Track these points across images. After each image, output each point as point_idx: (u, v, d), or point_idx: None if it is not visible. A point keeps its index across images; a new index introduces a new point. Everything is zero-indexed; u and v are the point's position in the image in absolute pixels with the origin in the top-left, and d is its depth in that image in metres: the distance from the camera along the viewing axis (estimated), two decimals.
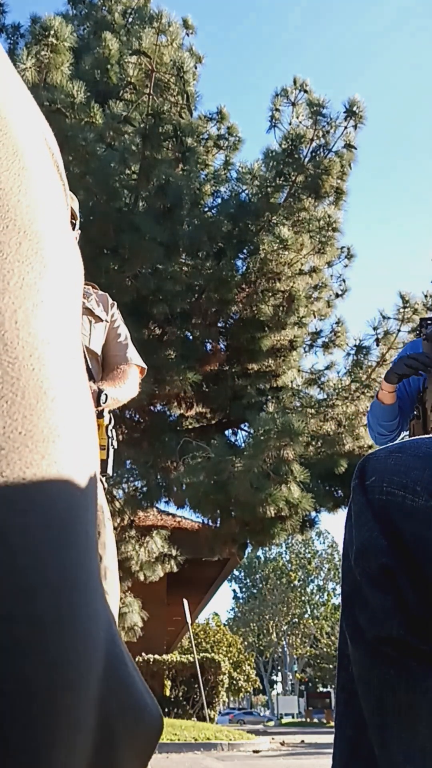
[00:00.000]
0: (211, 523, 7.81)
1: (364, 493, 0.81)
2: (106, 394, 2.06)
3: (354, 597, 0.79)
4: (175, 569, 8.76)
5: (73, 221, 2.30)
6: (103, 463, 2.06)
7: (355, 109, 7.05)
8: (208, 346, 7.86)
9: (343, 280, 8.74)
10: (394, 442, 0.85)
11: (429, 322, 2.01)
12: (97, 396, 2.05)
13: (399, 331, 7.36)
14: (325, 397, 7.82)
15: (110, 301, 2.43)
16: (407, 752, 0.69)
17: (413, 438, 0.84)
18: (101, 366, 2.34)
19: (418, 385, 2.09)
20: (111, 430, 2.12)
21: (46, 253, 0.32)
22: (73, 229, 2.35)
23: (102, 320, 2.35)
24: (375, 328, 7.49)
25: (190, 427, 8.20)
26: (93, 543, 0.33)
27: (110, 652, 0.32)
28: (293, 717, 42.10)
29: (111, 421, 2.14)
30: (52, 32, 5.74)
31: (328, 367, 8.62)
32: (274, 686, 50.98)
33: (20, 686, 0.25)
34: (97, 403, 2.04)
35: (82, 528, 0.31)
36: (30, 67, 5.77)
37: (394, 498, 0.77)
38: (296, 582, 46.11)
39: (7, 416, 0.27)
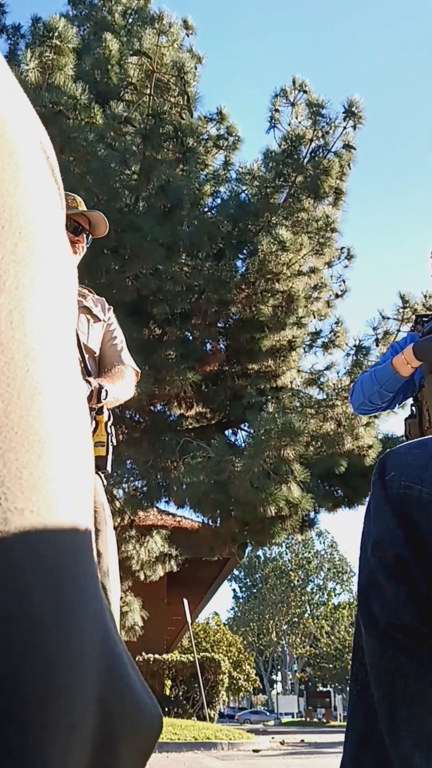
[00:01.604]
0: (211, 523, 7.81)
1: (383, 487, 0.82)
2: (106, 391, 2.07)
3: (369, 586, 0.80)
4: (175, 569, 8.76)
5: (87, 229, 2.32)
6: (103, 460, 2.06)
7: (354, 109, 7.06)
8: (208, 346, 7.86)
9: (343, 281, 8.75)
10: (415, 439, 0.87)
11: (425, 319, 2.00)
12: (98, 392, 2.05)
13: (399, 331, 7.36)
14: (325, 397, 7.83)
15: (107, 305, 2.46)
16: (415, 739, 0.71)
17: (431, 436, 0.87)
18: (98, 366, 2.35)
19: (417, 376, 2.05)
20: (110, 427, 2.13)
21: (42, 254, 0.33)
22: (87, 240, 2.36)
23: (100, 320, 2.37)
24: (375, 329, 7.50)
25: (190, 427, 8.20)
26: (91, 542, 0.33)
27: (109, 652, 0.32)
28: (293, 716, 42.11)
29: (110, 417, 2.15)
30: (56, 34, 5.71)
31: (327, 368, 8.63)
32: (274, 686, 50.98)
33: (18, 686, 0.25)
34: (98, 400, 2.05)
35: (79, 527, 0.31)
36: (33, 68, 5.76)
37: (411, 491, 0.78)
38: (296, 581, 46.11)
39: (3, 416, 0.28)
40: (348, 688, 0.89)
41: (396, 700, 0.74)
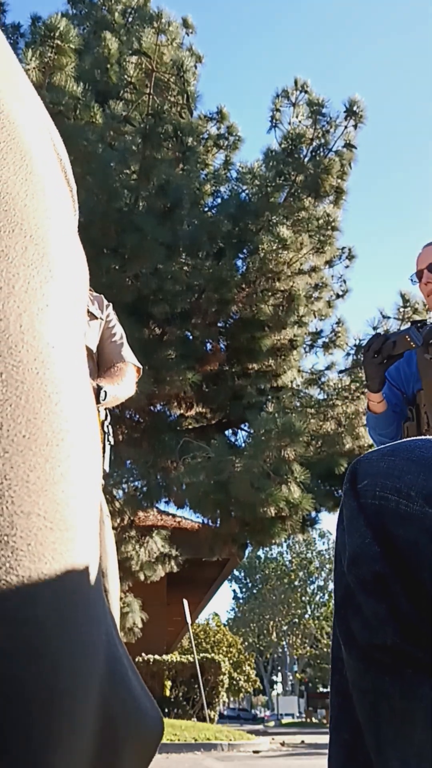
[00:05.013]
0: (211, 523, 7.81)
1: (356, 496, 0.79)
2: (105, 391, 2.06)
3: (347, 603, 0.77)
4: (175, 569, 8.76)
5: None
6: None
7: (355, 108, 7.07)
8: (208, 346, 7.86)
9: (344, 281, 8.75)
10: (386, 445, 0.84)
11: (419, 324, 2.00)
12: (97, 393, 2.04)
13: (399, 330, 7.37)
14: (325, 397, 7.82)
15: (105, 302, 2.45)
16: (403, 758, 0.69)
17: (405, 440, 0.83)
18: (96, 365, 2.34)
19: (411, 387, 2.07)
20: (107, 426, 2.12)
21: (52, 257, 0.32)
22: None
23: (97, 318, 2.36)
24: (375, 328, 7.50)
25: (190, 427, 8.20)
26: (95, 545, 0.33)
27: (111, 656, 0.32)
28: (293, 717, 42.16)
29: (107, 417, 2.14)
30: (57, 33, 5.69)
31: (328, 367, 8.63)
32: (274, 686, 50.99)
33: (21, 690, 0.25)
34: (97, 401, 2.04)
35: (84, 529, 0.30)
36: (33, 68, 5.75)
37: (387, 503, 0.75)
38: (297, 582, 46.11)
39: (11, 419, 0.27)
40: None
41: (381, 719, 0.72)
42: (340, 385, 7.66)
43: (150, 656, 10.92)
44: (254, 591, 47.69)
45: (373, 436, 2.16)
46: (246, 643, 44.35)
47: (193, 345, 7.56)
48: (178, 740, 6.87)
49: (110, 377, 2.22)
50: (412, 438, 0.86)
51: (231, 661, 31.85)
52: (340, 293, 8.75)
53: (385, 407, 2.04)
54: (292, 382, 8.37)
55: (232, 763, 5.72)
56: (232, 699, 45.36)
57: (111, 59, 7.24)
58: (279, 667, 49.33)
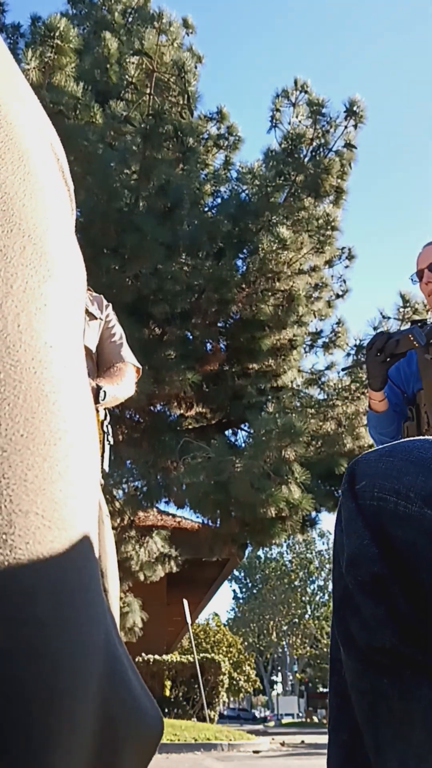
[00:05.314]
0: (211, 523, 7.81)
1: (354, 498, 0.79)
2: (104, 391, 2.07)
3: (345, 604, 0.77)
4: (175, 569, 8.76)
5: None
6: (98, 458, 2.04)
7: (355, 108, 7.07)
8: (208, 346, 7.86)
9: (344, 281, 8.76)
10: (384, 445, 0.83)
11: (419, 324, 1.99)
12: (96, 393, 2.05)
13: (399, 331, 7.37)
14: (326, 397, 7.82)
15: (105, 302, 2.45)
16: (402, 759, 0.69)
17: (403, 441, 0.82)
18: (96, 365, 2.35)
19: (411, 387, 2.07)
20: (107, 426, 2.13)
21: (50, 257, 0.33)
22: None
23: (96, 318, 2.36)
24: (375, 328, 7.50)
25: (190, 427, 8.20)
26: (94, 544, 0.32)
27: (111, 656, 0.32)
28: (293, 717, 42.17)
29: (106, 416, 2.15)
30: (57, 33, 5.70)
31: (328, 368, 8.64)
32: (274, 686, 50.99)
33: (21, 689, 0.25)
34: (96, 400, 2.04)
35: (83, 529, 0.30)
36: (33, 68, 5.75)
37: (386, 504, 0.75)
38: (297, 582, 46.11)
39: (8, 419, 0.27)
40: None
41: (379, 720, 0.72)
42: (340, 385, 7.66)
43: (150, 656, 10.92)
44: (254, 591, 47.68)
45: (374, 435, 2.15)
46: (246, 643, 44.34)
47: (193, 345, 7.56)
48: (178, 740, 6.87)
49: (110, 377, 2.22)
50: (411, 438, 0.85)
51: (231, 661, 31.86)
52: (340, 293, 8.75)
53: (387, 406, 2.03)
54: (292, 382, 8.37)
55: (232, 763, 5.72)
56: (232, 699, 45.36)
57: (111, 59, 7.24)
58: (279, 667, 49.33)
